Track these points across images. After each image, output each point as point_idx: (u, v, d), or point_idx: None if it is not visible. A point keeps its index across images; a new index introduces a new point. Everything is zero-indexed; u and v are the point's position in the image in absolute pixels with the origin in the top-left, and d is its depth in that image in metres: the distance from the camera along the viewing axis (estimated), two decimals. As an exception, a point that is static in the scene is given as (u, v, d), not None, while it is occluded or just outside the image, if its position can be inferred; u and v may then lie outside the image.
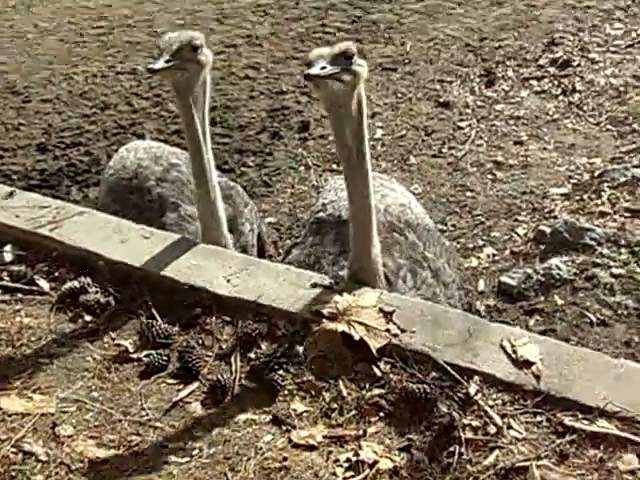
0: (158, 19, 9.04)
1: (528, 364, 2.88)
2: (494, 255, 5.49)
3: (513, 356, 2.91)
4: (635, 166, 6.02)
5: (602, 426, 2.68)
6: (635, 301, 4.86)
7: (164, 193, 4.38)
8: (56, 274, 3.70)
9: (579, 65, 7.61)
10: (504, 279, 5.16)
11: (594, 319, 4.81)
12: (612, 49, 7.80)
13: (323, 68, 3.10)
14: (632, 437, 2.65)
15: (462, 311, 3.33)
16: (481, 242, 5.62)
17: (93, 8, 9.45)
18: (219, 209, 3.87)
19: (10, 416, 3.05)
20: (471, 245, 5.56)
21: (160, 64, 3.44)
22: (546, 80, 7.47)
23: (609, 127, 6.72)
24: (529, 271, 5.17)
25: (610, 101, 7.06)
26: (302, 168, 6.58)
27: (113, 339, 3.37)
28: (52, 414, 3.04)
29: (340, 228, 3.98)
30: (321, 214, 4.24)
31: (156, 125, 7.25)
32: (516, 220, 5.78)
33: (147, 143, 5.10)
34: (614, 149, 6.43)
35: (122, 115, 7.44)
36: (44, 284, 3.66)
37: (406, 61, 7.94)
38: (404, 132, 6.91)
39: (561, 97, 7.22)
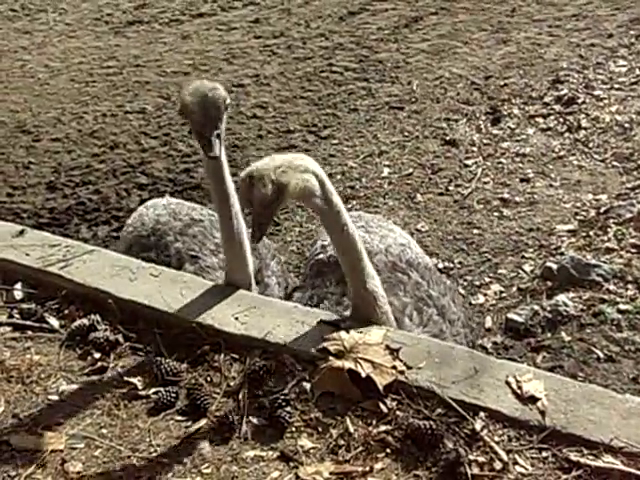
0: (167, 59, 9.16)
1: (533, 400, 2.89)
2: (501, 292, 5.50)
3: (518, 392, 2.93)
4: (641, 202, 6.06)
5: (608, 461, 2.69)
6: (642, 337, 4.87)
7: (182, 247, 4.35)
8: (66, 312, 3.74)
9: (584, 102, 7.66)
10: (511, 316, 5.17)
11: (601, 355, 4.80)
12: (616, 86, 7.86)
13: None
14: (637, 472, 2.66)
15: (468, 348, 3.35)
16: (488, 279, 5.63)
17: (103, 48, 9.59)
18: (247, 254, 3.82)
19: (20, 452, 3.07)
20: (478, 282, 5.57)
21: (218, 149, 3.39)
22: (552, 117, 7.52)
23: (615, 163, 6.75)
24: (536, 308, 5.18)
25: (615, 138, 7.10)
26: (310, 207, 6.62)
27: (122, 376, 3.39)
28: (61, 451, 3.05)
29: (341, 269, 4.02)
30: (321, 256, 4.27)
31: (165, 164, 7.32)
32: (523, 257, 5.79)
33: (166, 200, 5.07)
34: (620, 185, 6.45)
35: (131, 154, 7.52)
36: (54, 322, 3.70)
37: (413, 100, 8.01)
38: (411, 170, 6.95)
39: (567, 134, 7.27)
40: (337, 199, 3.31)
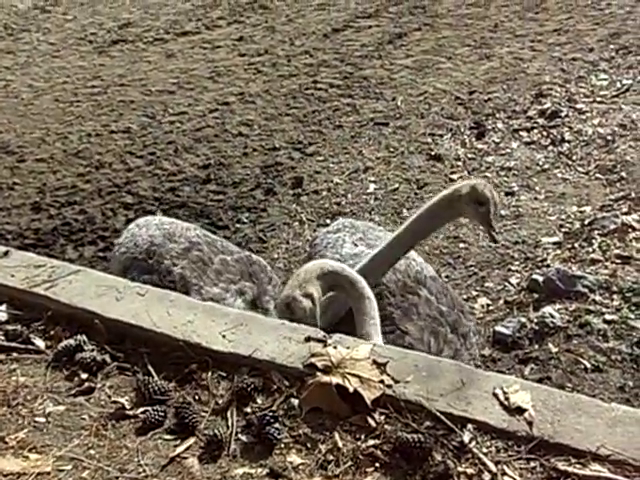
0: (152, 78, 9.20)
1: (521, 411, 2.90)
2: (488, 305, 5.53)
3: (506, 403, 2.93)
4: (624, 213, 6.09)
5: (595, 470, 2.70)
6: (628, 346, 4.90)
7: (185, 273, 4.37)
8: (52, 333, 3.71)
9: (567, 115, 7.73)
10: (499, 329, 5.19)
11: (588, 365, 4.83)
12: (598, 99, 7.93)
13: None
14: (624, 479, 2.67)
15: (455, 361, 3.36)
16: (475, 292, 5.66)
17: (87, 68, 9.61)
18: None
19: (6, 476, 3.04)
20: (465, 296, 5.59)
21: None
22: (535, 131, 7.58)
23: (598, 176, 6.80)
24: (523, 320, 5.21)
25: (598, 150, 7.16)
26: (296, 224, 6.64)
27: (109, 396, 3.37)
28: (48, 473, 3.02)
29: None
30: None
31: (150, 183, 7.32)
32: (509, 270, 5.82)
33: (158, 219, 5.04)
34: (603, 197, 6.50)
35: (117, 174, 7.53)
36: (40, 343, 3.67)
37: (397, 115, 8.06)
38: (397, 185, 6.99)
39: (550, 147, 7.33)
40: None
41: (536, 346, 5.05)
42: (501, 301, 5.52)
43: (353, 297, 3.76)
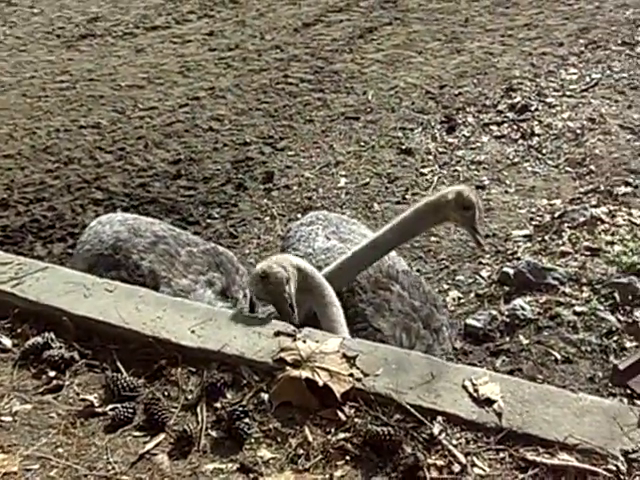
0: (121, 73, 9.13)
1: (490, 402, 2.91)
2: (459, 298, 5.55)
3: (475, 395, 2.94)
4: (594, 206, 6.13)
5: (563, 459, 2.72)
6: (598, 337, 4.94)
7: (153, 267, 4.35)
8: (19, 331, 3.66)
9: (537, 110, 7.76)
10: (470, 321, 5.21)
11: (559, 357, 4.87)
12: (568, 93, 7.98)
13: None
14: (592, 468, 2.70)
15: (424, 354, 3.36)
16: (446, 286, 5.68)
17: (55, 62, 9.52)
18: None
19: (-28, 477, 3.02)
20: (436, 289, 5.60)
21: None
22: (505, 125, 7.61)
23: (568, 169, 6.85)
24: (494, 312, 5.23)
25: (568, 144, 7.20)
26: (267, 218, 6.62)
27: (78, 394, 3.34)
28: (15, 473, 2.99)
29: None
30: None
31: (120, 179, 7.27)
32: (480, 263, 5.85)
33: (121, 215, 5.02)
34: (573, 190, 6.54)
35: (86, 169, 7.46)
36: (6, 341, 3.63)
37: (368, 110, 8.06)
38: (367, 180, 6.99)
39: (520, 141, 7.36)
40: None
41: (507, 338, 5.08)
42: (472, 294, 5.55)
43: (319, 302, 3.76)
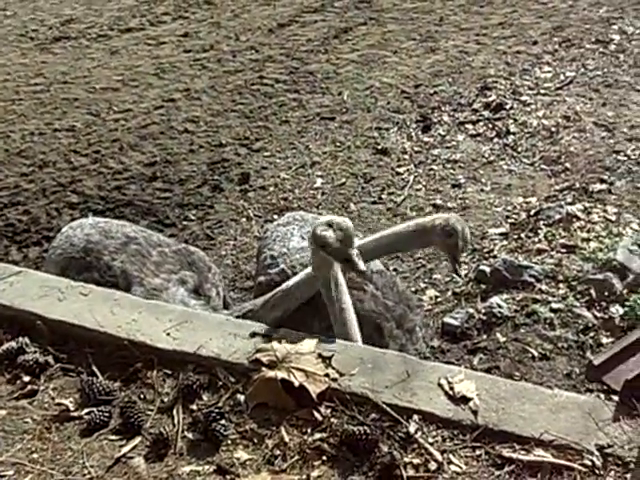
0: (96, 75, 9.08)
1: (465, 400, 2.92)
2: (436, 297, 5.55)
3: (450, 393, 2.95)
4: (569, 203, 6.16)
5: (539, 455, 2.75)
6: (574, 334, 4.95)
7: (125, 267, 4.34)
8: (-7, 336, 3.66)
9: (512, 108, 7.79)
10: (447, 320, 5.21)
11: (536, 354, 4.88)
12: (542, 91, 8.01)
13: None
14: (567, 463, 2.73)
15: (399, 352, 3.37)
16: (423, 285, 5.68)
17: (29, 65, 9.45)
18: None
19: (-55, 484, 2.99)
20: (414, 288, 5.61)
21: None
22: (481, 123, 7.63)
23: (543, 167, 6.87)
24: (471, 311, 5.24)
25: (543, 142, 7.23)
26: (244, 220, 6.60)
27: (53, 398, 3.33)
28: (-11, 479, 2.99)
29: None
30: (274, 270, 4.29)
31: (96, 182, 7.23)
32: (457, 262, 5.85)
33: (92, 219, 5.01)
34: (548, 188, 6.56)
35: (61, 173, 7.41)
36: (-20, 346, 3.61)
37: (343, 110, 8.06)
38: (344, 180, 6.99)
39: (496, 139, 7.38)
40: None
41: (484, 336, 5.08)
42: (449, 293, 5.55)
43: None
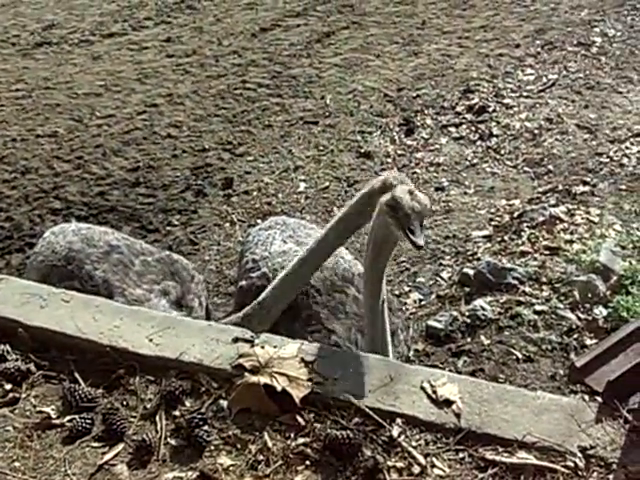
0: (78, 81, 9.04)
1: (448, 403, 2.92)
2: (420, 300, 5.57)
3: (433, 396, 2.95)
4: (552, 205, 6.19)
5: (522, 457, 2.75)
6: (558, 336, 4.98)
7: (107, 277, 4.30)
8: (-27, 344, 3.63)
9: (495, 110, 7.83)
10: (431, 323, 5.23)
11: (520, 356, 4.90)
12: (525, 94, 8.06)
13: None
14: (550, 465, 2.73)
15: (381, 357, 3.37)
16: (407, 288, 5.69)
17: (10, 71, 9.40)
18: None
19: None
20: (397, 292, 5.62)
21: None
22: (464, 126, 7.66)
23: (526, 169, 6.91)
24: (455, 313, 5.26)
25: (526, 144, 7.27)
26: (227, 225, 6.59)
27: (35, 406, 3.30)
28: (-30, 489, 2.97)
29: None
30: (255, 274, 4.28)
31: (79, 188, 7.20)
32: (440, 264, 5.87)
33: (74, 225, 4.92)
34: (532, 190, 6.60)
35: (44, 179, 7.38)
36: (-39, 354, 3.59)
37: (326, 114, 8.06)
38: (327, 184, 7.00)
39: (479, 142, 7.41)
40: None
41: (468, 339, 5.10)
42: (433, 296, 5.56)
43: None
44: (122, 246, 4.47)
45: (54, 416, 3.23)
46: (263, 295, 3.97)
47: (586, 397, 4.22)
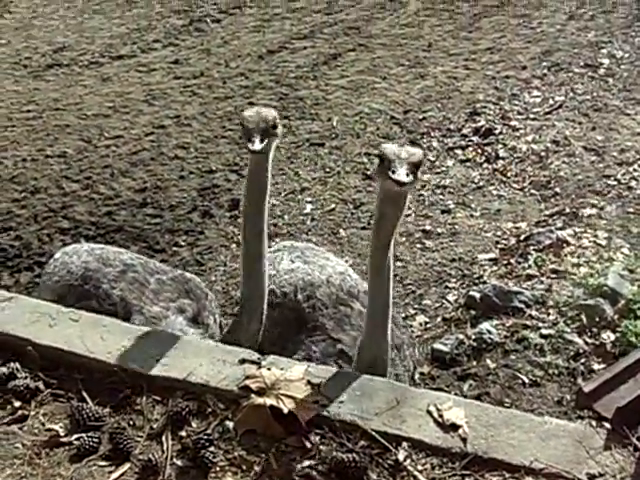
0: (87, 102, 9.08)
1: (455, 427, 2.92)
2: (426, 323, 5.55)
3: (439, 420, 2.95)
4: (559, 228, 6.19)
5: (528, 483, 2.74)
6: (565, 360, 4.96)
7: (125, 295, 4.34)
8: (-16, 361, 3.65)
9: (501, 133, 7.84)
10: (437, 346, 5.22)
11: (526, 380, 4.88)
12: (532, 116, 8.07)
13: (408, 176, 3.15)
14: (557, 491, 2.72)
15: (387, 379, 3.38)
16: (413, 311, 5.68)
17: (22, 92, 9.46)
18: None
19: None
20: (403, 314, 5.60)
21: (258, 145, 3.52)
22: (470, 149, 7.67)
23: (533, 192, 6.91)
24: (461, 337, 5.24)
25: (532, 166, 7.27)
26: (234, 246, 6.60)
27: (43, 424, 3.32)
28: (-21, 505, 2.98)
29: (286, 308, 4.19)
30: None
31: (87, 208, 7.23)
32: (446, 287, 5.86)
33: (87, 245, 5.04)
34: (538, 213, 6.60)
35: (53, 199, 7.41)
36: (-29, 372, 3.61)
37: (333, 136, 8.09)
38: (333, 206, 7.01)
39: (485, 164, 7.42)
40: None
41: (474, 362, 5.09)
42: (439, 318, 5.56)
43: None
44: (137, 265, 4.51)
45: (62, 434, 3.26)
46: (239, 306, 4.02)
47: (594, 423, 4.23)
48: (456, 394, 4.62)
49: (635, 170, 7.07)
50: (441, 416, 2.96)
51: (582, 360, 4.95)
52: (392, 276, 3.60)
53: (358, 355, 3.61)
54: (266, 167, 3.83)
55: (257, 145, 3.51)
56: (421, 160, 3.28)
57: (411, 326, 5.45)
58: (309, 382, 3.16)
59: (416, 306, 5.70)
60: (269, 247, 5.32)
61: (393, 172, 3.15)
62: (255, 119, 3.62)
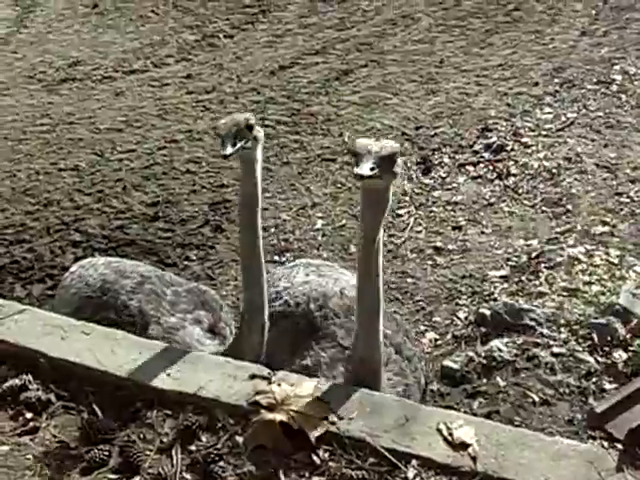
0: (100, 116, 9.12)
1: (464, 446, 2.92)
2: (436, 340, 5.54)
3: (449, 439, 2.95)
4: (570, 246, 6.17)
5: (539, 504, 2.72)
6: (576, 379, 4.93)
7: (142, 307, 4.40)
8: (-4, 372, 3.67)
9: (513, 149, 7.82)
10: (447, 363, 5.20)
11: (537, 399, 4.85)
12: (543, 133, 8.04)
13: (372, 169, 3.13)
14: (567, 513, 2.70)
15: (398, 397, 3.37)
16: (423, 327, 5.67)
17: (36, 106, 9.51)
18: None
19: (-55, 520, 2.99)
20: (413, 331, 5.59)
21: (229, 149, 3.56)
22: (481, 165, 7.65)
23: (544, 209, 6.88)
24: (471, 354, 5.22)
25: (544, 183, 7.25)
26: (244, 260, 6.60)
27: (54, 436, 3.34)
28: (-10, 517, 2.99)
29: (299, 317, 4.21)
30: (277, 302, 4.37)
31: (99, 221, 7.26)
32: (457, 304, 5.84)
33: (104, 258, 5.12)
34: (550, 230, 6.57)
35: (65, 212, 7.44)
36: (-16, 383, 3.63)
37: (344, 151, 8.08)
38: (344, 221, 7.01)
39: (496, 181, 7.39)
40: None
41: (484, 380, 5.07)
42: (449, 335, 5.54)
43: None
44: (153, 277, 4.58)
45: (72, 446, 3.28)
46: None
47: (605, 443, 4.22)
48: (466, 412, 4.61)
49: (648, 188, 7.05)
50: (451, 434, 2.96)
51: (593, 379, 4.92)
52: (382, 275, 3.61)
53: (349, 357, 3.64)
54: (254, 172, 3.83)
55: (228, 149, 3.56)
56: (394, 153, 3.25)
57: (421, 343, 5.44)
58: (319, 398, 3.16)
59: (426, 323, 5.69)
60: (283, 263, 5.39)
61: (356, 165, 3.16)
62: (227, 125, 3.65)
